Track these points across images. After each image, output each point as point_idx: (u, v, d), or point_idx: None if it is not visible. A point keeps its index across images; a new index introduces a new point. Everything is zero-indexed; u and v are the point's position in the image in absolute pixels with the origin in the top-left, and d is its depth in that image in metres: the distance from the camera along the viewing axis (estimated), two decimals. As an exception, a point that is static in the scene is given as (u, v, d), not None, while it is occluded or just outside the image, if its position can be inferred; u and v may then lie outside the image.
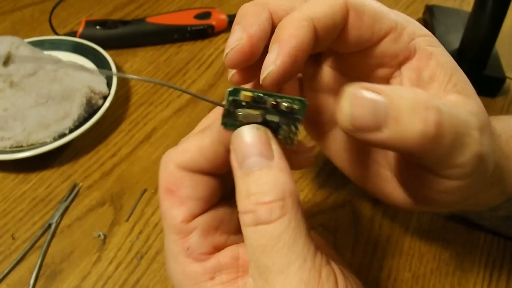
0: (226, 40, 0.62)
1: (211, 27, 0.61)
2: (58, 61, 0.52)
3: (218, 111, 0.25)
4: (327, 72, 0.30)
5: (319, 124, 0.32)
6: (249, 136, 0.22)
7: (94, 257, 0.40)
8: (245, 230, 0.21)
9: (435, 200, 0.26)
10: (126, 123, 0.51)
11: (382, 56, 0.26)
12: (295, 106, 0.23)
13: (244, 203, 0.21)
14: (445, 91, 0.25)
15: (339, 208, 0.43)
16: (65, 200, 0.43)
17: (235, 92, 0.23)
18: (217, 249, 0.24)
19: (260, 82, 0.23)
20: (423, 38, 0.26)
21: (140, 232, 0.41)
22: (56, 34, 0.59)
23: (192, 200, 0.24)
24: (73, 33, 0.59)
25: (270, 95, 0.23)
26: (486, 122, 0.25)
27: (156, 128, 0.50)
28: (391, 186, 0.30)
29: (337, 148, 0.32)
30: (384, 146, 0.21)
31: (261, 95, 0.23)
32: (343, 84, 0.23)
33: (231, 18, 0.62)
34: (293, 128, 0.24)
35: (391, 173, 0.30)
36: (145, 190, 0.44)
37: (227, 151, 0.23)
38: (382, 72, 0.27)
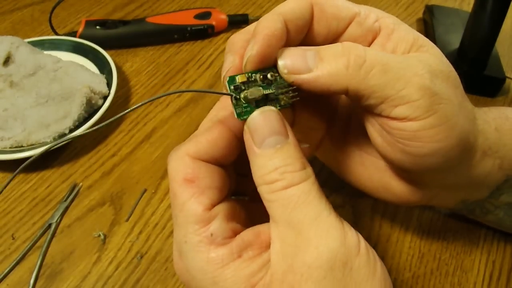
0: (226, 40, 0.62)
1: (211, 27, 0.61)
2: (58, 61, 0.52)
3: (219, 106, 0.29)
4: None
5: (312, 135, 0.35)
6: (264, 118, 0.25)
7: (94, 257, 0.40)
8: (275, 195, 0.24)
9: (424, 166, 0.28)
10: (126, 123, 0.51)
11: (352, 39, 0.29)
12: (276, 74, 0.27)
13: (271, 175, 0.24)
14: (410, 51, 0.28)
15: (339, 208, 0.43)
16: (65, 200, 0.43)
17: (232, 80, 0.26)
18: (237, 233, 0.25)
19: (242, 69, 0.26)
20: (386, 19, 0.29)
21: (140, 232, 0.41)
22: (56, 34, 0.59)
23: (210, 189, 0.25)
24: (73, 33, 0.59)
25: (256, 72, 0.27)
26: (442, 70, 0.27)
27: (156, 128, 0.50)
28: (387, 175, 0.32)
29: (330, 152, 0.35)
30: (316, 85, 0.26)
31: (250, 73, 0.27)
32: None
33: (231, 18, 0.63)
34: (287, 94, 0.27)
35: (383, 161, 0.31)
36: (145, 190, 0.44)
37: (236, 139, 0.26)
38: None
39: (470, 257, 0.41)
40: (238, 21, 0.63)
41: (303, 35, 0.29)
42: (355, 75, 0.25)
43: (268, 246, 0.24)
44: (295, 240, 0.23)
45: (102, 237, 0.41)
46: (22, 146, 0.45)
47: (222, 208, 0.25)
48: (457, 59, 0.56)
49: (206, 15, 0.61)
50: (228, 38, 0.62)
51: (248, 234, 0.25)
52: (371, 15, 0.29)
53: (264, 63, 0.26)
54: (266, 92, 0.27)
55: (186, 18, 0.61)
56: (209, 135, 0.26)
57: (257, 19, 0.64)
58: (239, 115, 0.26)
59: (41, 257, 0.39)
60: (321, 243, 0.23)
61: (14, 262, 0.39)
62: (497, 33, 0.53)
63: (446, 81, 0.27)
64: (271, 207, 0.24)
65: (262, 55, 0.26)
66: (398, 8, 0.70)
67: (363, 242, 0.24)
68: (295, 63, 0.26)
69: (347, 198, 0.44)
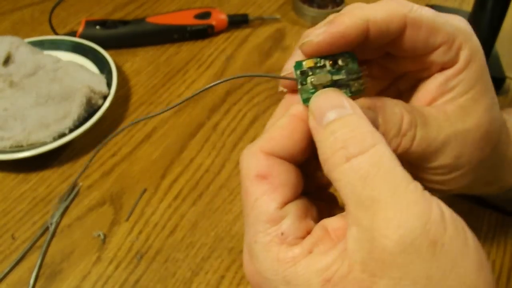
0: (226, 39, 0.62)
1: (211, 27, 0.61)
2: (58, 61, 0.52)
3: (286, 103, 0.27)
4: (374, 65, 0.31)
5: None
6: (321, 95, 0.24)
7: (94, 257, 0.40)
8: (339, 171, 0.21)
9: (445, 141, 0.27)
10: (126, 123, 0.51)
11: (431, 64, 0.27)
12: (348, 59, 0.26)
13: (332, 147, 0.22)
14: (457, 101, 0.27)
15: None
16: (65, 200, 0.43)
17: (299, 65, 0.25)
18: (309, 233, 0.24)
19: (298, 47, 0.25)
20: (467, 51, 0.27)
21: (140, 232, 0.41)
22: (56, 34, 0.59)
23: (284, 186, 0.24)
24: (73, 33, 0.59)
25: (326, 57, 0.25)
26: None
27: (156, 128, 0.50)
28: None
29: None
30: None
31: (319, 58, 0.25)
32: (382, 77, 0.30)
33: (231, 18, 0.63)
34: (359, 80, 0.26)
35: None
36: (145, 190, 0.44)
37: (308, 133, 0.24)
38: (425, 73, 0.28)
39: (470, 257, 0.41)
40: (238, 21, 0.63)
41: (382, 46, 0.27)
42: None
43: (339, 238, 0.22)
44: (372, 222, 0.20)
45: (102, 237, 0.41)
46: (22, 146, 0.45)
47: (294, 207, 0.24)
48: (457, 59, 0.56)
49: (206, 15, 0.61)
50: (228, 37, 0.62)
51: (317, 229, 0.23)
52: (456, 41, 0.26)
53: (318, 54, 0.25)
54: (335, 78, 0.25)
55: (186, 18, 0.61)
56: (283, 130, 0.25)
57: (257, 19, 0.64)
58: (305, 100, 0.25)
59: (41, 257, 0.39)
60: (402, 223, 0.19)
61: (14, 262, 0.39)
62: (496, 33, 0.53)
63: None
64: (339, 188, 0.21)
65: (320, 47, 0.25)
66: (398, 8, 0.70)
67: (447, 210, 0.21)
68: None
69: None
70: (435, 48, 0.27)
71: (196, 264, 0.39)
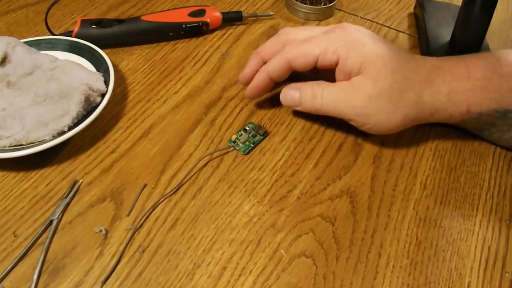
0: (220, 37, 0.63)
1: (206, 24, 0.61)
2: (55, 60, 0.52)
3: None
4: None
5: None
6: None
7: (96, 252, 0.40)
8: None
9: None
10: (124, 120, 0.51)
11: (324, 66, 0.47)
12: (251, 124, 0.51)
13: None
14: (357, 73, 0.45)
15: (337, 198, 0.44)
16: (66, 197, 0.44)
17: (230, 140, 0.50)
18: None
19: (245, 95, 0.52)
20: (342, 48, 0.45)
21: (141, 226, 0.42)
22: (53, 34, 0.60)
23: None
24: (68, 33, 0.59)
25: (240, 130, 0.51)
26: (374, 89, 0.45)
27: (154, 124, 0.51)
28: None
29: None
30: (304, 111, 0.49)
31: (238, 132, 0.50)
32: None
33: (225, 15, 0.63)
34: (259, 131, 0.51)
35: None
36: (145, 185, 0.45)
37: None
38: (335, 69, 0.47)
39: (466, 243, 0.42)
40: (232, 18, 0.64)
41: (285, 77, 0.49)
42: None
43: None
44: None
45: (103, 232, 0.41)
46: (21, 145, 0.45)
47: None
48: (449, 52, 0.57)
49: (200, 12, 0.62)
50: (222, 35, 0.63)
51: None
52: (330, 49, 0.45)
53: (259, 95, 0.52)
54: (249, 136, 0.49)
55: (181, 16, 0.61)
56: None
57: (251, 16, 0.65)
58: (244, 151, 0.48)
59: (43, 253, 0.40)
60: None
61: (17, 259, 0.39)
62: (487, 26, 0.54)
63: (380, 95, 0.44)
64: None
65: (253, 96, 0.52)
66: (390, 3, 0.71)
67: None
68: (288, 102, 0.49)
69: (344, 188, 0.45)
70: (314, 62, 0.46)
71: (197, 256, 0.40)
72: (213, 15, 0.62)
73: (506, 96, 0.44)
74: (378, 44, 0.45)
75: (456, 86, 0.45)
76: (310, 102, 0.47)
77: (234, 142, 0.48)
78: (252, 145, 0.48)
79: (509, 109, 0.44)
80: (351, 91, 0.45)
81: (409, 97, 0.44)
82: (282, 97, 0.49)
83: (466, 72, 0.45)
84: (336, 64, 0.46)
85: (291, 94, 0.48)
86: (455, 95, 0.45)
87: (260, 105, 0.53)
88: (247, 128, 0.50)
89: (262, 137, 0.49)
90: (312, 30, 0.49)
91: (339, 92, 0.45)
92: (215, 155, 0.48)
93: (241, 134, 0.49)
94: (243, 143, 0.48)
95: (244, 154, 0.48)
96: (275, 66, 0.47)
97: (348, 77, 0.45)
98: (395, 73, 0.44)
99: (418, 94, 0.44)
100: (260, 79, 0.49)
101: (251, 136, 0.49)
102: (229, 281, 0.38)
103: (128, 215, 0.43)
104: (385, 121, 0.44)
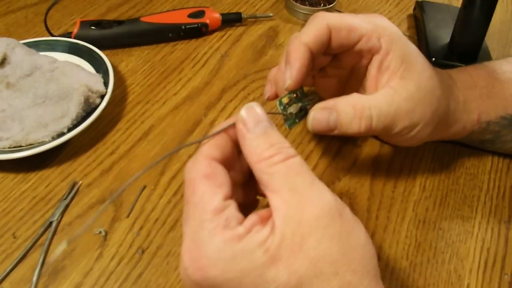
0: (220, 38, 0.63)
1: (205, 25, 0.61)
2: (54, 61, 0.52)
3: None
4: (329, 67, 0.45)
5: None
6: (258, 109, 0.31)
7: (95, 254, 0.40)
8: (276, 167, 0.29)
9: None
10: (124, 122, 0.51)
11: (360, 51, 0.41)
12: (299, 90, 0.38)
13: (269, 151, 0.29)
14: (396, 75, 0.39)
15: (336, 200, 0.44)
16: (65, 198, 0.44)
17: (280, 102, 0.37)
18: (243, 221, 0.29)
19: (285, 89, 0.38)
20: (387, 38, 0.39)
21: (141, 228, 0.42)
22: (52, 35, 0.59)
23: (225, 184, 0.29)
24: (67, 34, 0.59)
25: (290, 93, 0.38)
26: (417, 97, 0.39)
27: (153, 126, 0.51)
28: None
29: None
30: (343, 135, 0.40)
31: (289, 94, 0.38)
32: (339, 74, 0.45)
33: (225, 17, 0.63)
34: (312, 101, 0.40)
35: None
36: (144, 187, 0.45)
37: (235, 145, 0.32)
38: (363, 62, 0.42)
39: (465, 245, 0.42)
40: (232, 20, 0.64)
41: (322, 52, 0.40)
42: (365, 134, 0.43)
43: (267, 220, 0.29)
44: (300, 201, 0.28)
45: (103, 233, 0.41)
46: (20, 146, 0.45)
47: (232, 201, 0.29)
48: (448, 53, 0.57)
49: (199, 14, 0.62)
50: (222, 36, 0.63)
51: (250, 217, 0.29)
52: (375, 33, 0.39)
53: (298, 85, 0.38)
54: (300, 105, 0.38)
55: (180, 17, 0.61)
56: (217, 141, 0.32)
57: (250, 17, 0.65)
58: (290, 125, 0.38)
59: (43, 255, 0.40)
60: (321, 200, 0.28)
61: (16, 261, 0.39)
62: (486, 28, 0.54)
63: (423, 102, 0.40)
64: (272, 179, 0.29)
65: (297, 81, 0.38)
66: (389, 5, 0.71)
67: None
68: (321, 127, 0.39)
69: (344, 190, 0.45)
70: (357, 41, 0.40)
71: (197, 258, 0.40)
72: (212, 16, 0.62)
73: (510, 101, 0.44)
74: (411, 44, 0.41)
75: (467, 94, 0.44)
76: (355, 122, 0.38)
77: (284, 108, 0.37)
78: (296, 121, 0.39)
79: None
80: (400, 101, 0.39)
81: (444, 103, 0.41)
82: (314, 122, 0.38)
83: (471, 81, 0.44)
84: (371, 54, 0.40)
85: (324, 117, 0.38)
86: (468, 104, 0.44)
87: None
88: (298, 95, 0.38)
89: (304, 115, 0.39)
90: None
91: (390, 105, 0.38)
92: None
93: (292, 100, 0.38)
94: (292, 113, 0.38)
95: (289, 128, 0.40)
96: (315, 33, 0.38)
97: (381, 71, 0.40)
98: (432, 79, 0.40)
99: (447, 101, 0.42)
100: (300, 53, 0.38)
101: (299, 109, 0.38)
102: (228, 283, 0.38)
103: (128, 216, 0.43)
104: (424, 128, 0.40)
